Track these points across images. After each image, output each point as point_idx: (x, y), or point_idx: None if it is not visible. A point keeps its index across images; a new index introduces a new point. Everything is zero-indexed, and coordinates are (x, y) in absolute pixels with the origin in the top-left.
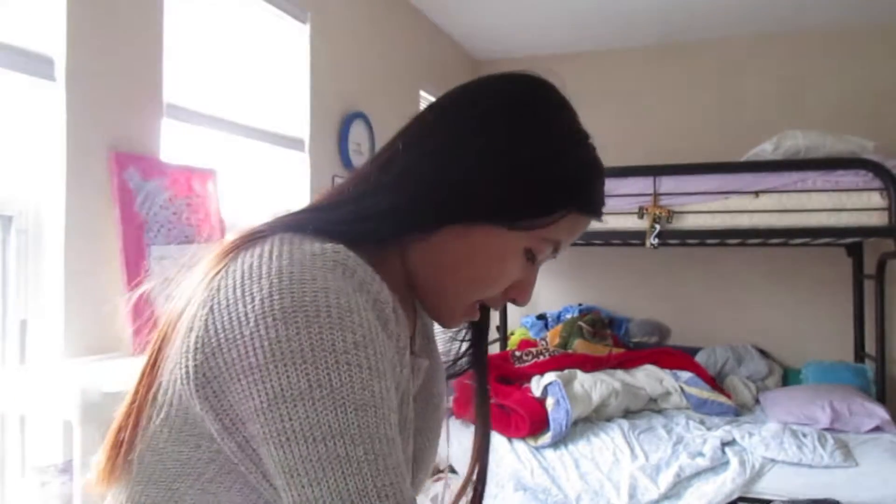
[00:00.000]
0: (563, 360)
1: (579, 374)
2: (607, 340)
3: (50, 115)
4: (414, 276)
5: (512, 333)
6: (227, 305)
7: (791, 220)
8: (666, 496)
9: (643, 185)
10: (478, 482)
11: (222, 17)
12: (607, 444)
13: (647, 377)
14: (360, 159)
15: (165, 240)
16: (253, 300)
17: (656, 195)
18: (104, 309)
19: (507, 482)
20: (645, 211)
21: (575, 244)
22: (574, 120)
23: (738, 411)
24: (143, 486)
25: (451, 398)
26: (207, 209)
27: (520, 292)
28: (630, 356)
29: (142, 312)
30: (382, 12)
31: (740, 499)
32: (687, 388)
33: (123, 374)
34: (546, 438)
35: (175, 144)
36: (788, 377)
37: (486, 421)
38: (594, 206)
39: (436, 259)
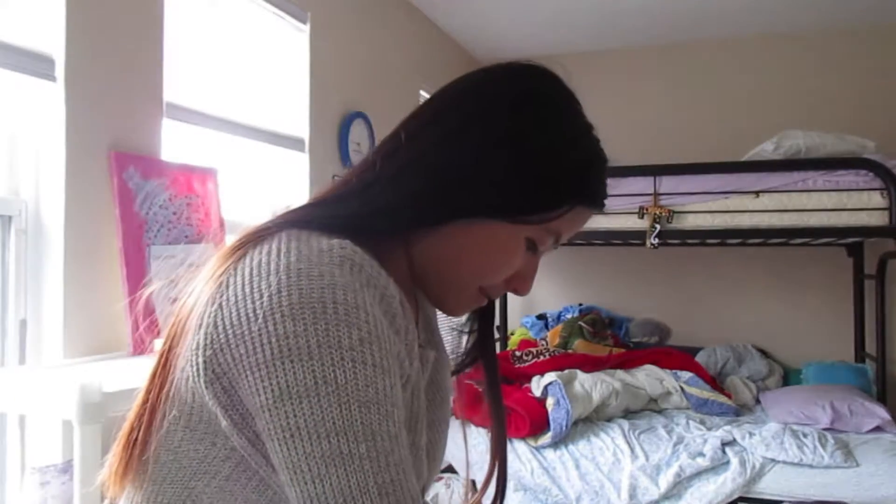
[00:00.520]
0: (563, 360)
1: (579, 374)
2: (607, 340)
3: (50, 115)
4: (418, 268)
5: (512, 333)
6: (236, 302)
7: (791, 220)
8: (666, 496)
9: (643, 185)
10: (499, 477)
11: (222, 17)
12: (607, 444)
13: (648, 377)
14: (359, 159)
15: (165, 240)
16: (261, 296)
17: (656, 195)
18: (104, 309)
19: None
20: (645, 211)
21: (575, 244)
22: (578, 112)
23: (739, 411)
24: (159, 486)
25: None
26: (207, 209)
27: (521, 282)
28: (630, 356)
29: (142, 312)
30: (382, 12)
31: (741, 499)
32: (687, 388)
33: (123, 374)
34: (546, 438)
35: (175, 144)
36: (789, 377)
37: (500, 414)
38: (598, 199)
39: (440, 251)
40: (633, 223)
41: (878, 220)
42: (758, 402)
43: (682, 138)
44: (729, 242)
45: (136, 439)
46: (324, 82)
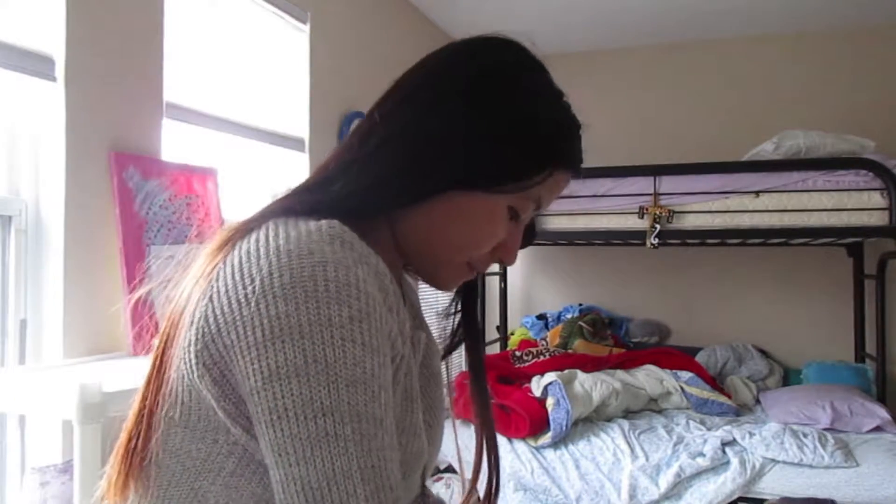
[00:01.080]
0: (563, 360)
1: (579, 374)
2: (607, 340)
3: (50, 115)
4: (405, 246)
5: (512, 333)
6: (227, 291)
7: (791, 220)
8: (666, 496)
9: (643, 185)
10: (491, 472)
11: (222, 17)
12: (608, 444)
13: (648, 377)
14: None
15: (165, 240)
16: (252, 281)
17: (656, 195)
18: (104, 309)
19: (507, 482)
20: (645, 211)
21: (575, 244)
22: (547, 79)
23: (739, 411)
24: (164, 490)
25: (451, 398)
26: (207, 209)
27: (506, 252)
28: (630, 356)
29: (141, 313)
30: (382, 12)
31: (741, 499)
32: (687, 388)
33: (123, 374)
34: (546, 438)
35: (175, 144)
36: (789, 377)
37: (484, 396)
38: (576, 163)
39: (424, 227)
40: (633, 223)
41: (878, 220)
42: (758, 402)
43: (682, 138)
44: (729, 242)
45: (135, 447)
46: (324, 82)
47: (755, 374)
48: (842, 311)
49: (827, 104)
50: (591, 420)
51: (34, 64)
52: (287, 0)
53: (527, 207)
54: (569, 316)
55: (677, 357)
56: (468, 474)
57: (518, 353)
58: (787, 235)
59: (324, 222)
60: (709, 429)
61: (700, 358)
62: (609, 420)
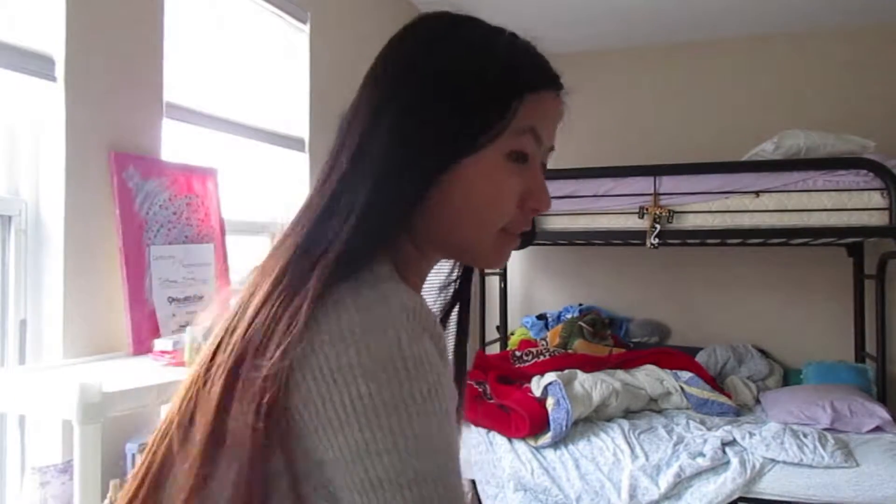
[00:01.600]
0: (563, 360)
1: (579, 374)
2: (607, 340)
3: (50, 115)
4: (437, 246)
5: (512, 333)
6: (318, 359)
7: (792, 220)
8: (666, 496)
9: (643, 185)
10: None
11: (222, 17)
12: (608, 445)
13: (648, 377)
14: None
15: (165, 239)
16: (339, 358)
17: (656, 195)
18: (104, 309)
19: (507, 482)
20: (645, 211)
21: (575, 244)
22: (478, 25)
23: (739, 411)
24: None
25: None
26: (207, 209)
27: (534, 199)
28: (630, 356)
29: (141, 313)
30: (382, 12)
31: (741, 499)
32: (687, 388)
33: (123, 374)
34: (546, 438)
35: (175, 144)
36: (789, 377)
37: (462, 368)
38: (542, 80)
39: (440, 219)
40: (633, 223)
41: (878, 220)
42: (758, 402)
43: (682, 138)
44: (729, 242)
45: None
46: (324, 82)
47: (755, 374)
48: (842, 311)
49: (827, 104)
50: (591, 420)
51: (34, 64)
52: (287, 0)
53: (524, 144)
54: (569, 316)
55: (677, 357)
56: (471, 475)
57: (518, 353)
58: (787, 235)
59: (391, 287)
60: (709, 429)
61: (700, 358)
62: (609, 420)
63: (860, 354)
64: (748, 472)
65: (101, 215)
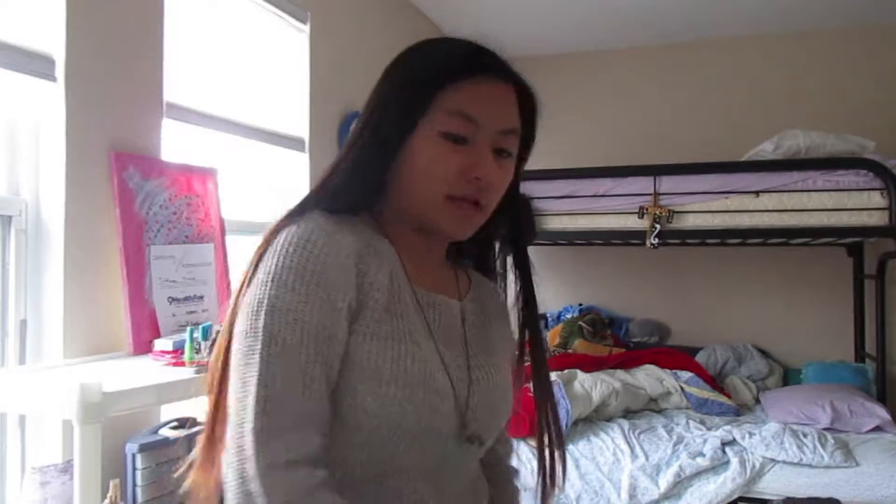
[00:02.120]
0: (563, 360)
1: (579, 373)
2: (607, 340)
3: (50, 115)
4: (406, 212)
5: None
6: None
7: (791, 220)
8: (666, 496)
9: (643, 185)
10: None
11: (222, 17)
12: (607, 444)
13: (648, 377)
14: None
15: (165, 239)
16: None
17: (656, 195)
18: (104, 309)
19: None
20: (645, 211)
21: (575, 244)
22: (440, 40)
23: (739, 411)
24: None
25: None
26: (207, 209)
27: (476, 170)
28: (630, 356)
29: (141, 313)
30: (382, 12)
31: (740, 499)
32: (687, 388)
33: (123, 374)
34: None
35: (175, 144)
36: (789, 377)
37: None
38: (467, 70)
39: (400, 188)
40: (633, 223)
41: (878, 220)
42: (758, 401)
43: (682, 138)
44: (729, 242)
45: (217, 435)
46: (324, 82)
47: (755, 374)
48: (842, 311)
49: (827, 104)
50: (591, 420)
51: (34, 64)
52: (287, 0)
53: (454, 125)
54: (569, 316)
55: (677, 357)
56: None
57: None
58: (787, 235)
59: (300, 229)
60: (709, 429)
61: (700, 358)
62: (609, 420)
63: (860, 354)
64: (748, 471)
65: (102, 215)
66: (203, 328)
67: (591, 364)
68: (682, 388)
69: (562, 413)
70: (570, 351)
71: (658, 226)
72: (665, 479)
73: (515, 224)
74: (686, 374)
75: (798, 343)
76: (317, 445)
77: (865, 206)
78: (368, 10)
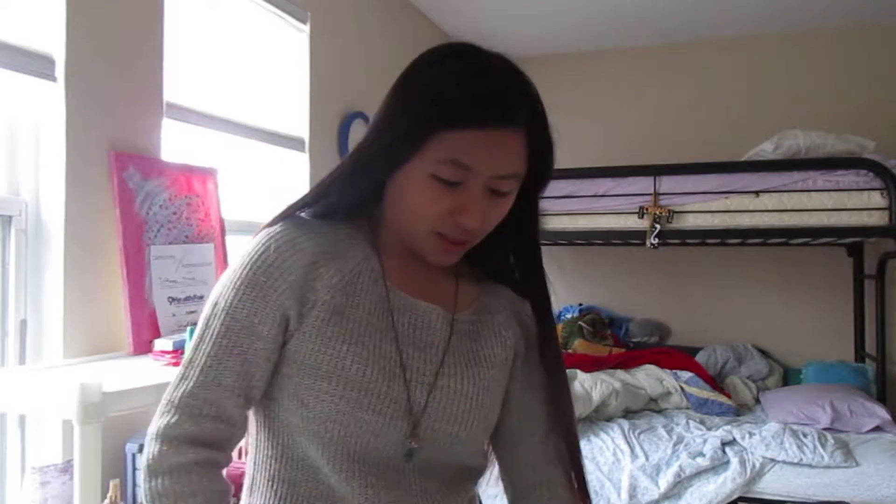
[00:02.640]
0: None
1: (579, 373)
2: (607, 340)
3: (50, 115)
4: (394, 229)
5: None
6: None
7: (791, 220)
8: (666, 496)
9: (643, 185)
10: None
11: (222, 17)
12: (607, 444)
13: (648, 377)
14: None
15: (165, 239)
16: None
17: (656, 195)
18: (104, 309)
19: None
20: (645, 211)
21: (575, 244)
22: (456, 60)
23: (739, 411)
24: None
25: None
26: (207, 209)
27: (462, 215)
28: (630, 356)
29: (141, 313)
30: (382, 12)
31: (741, 499)
32: (687, 388)
33: (123, 374)
34: None
35: (175, 144)
36: (789, 377)
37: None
38: (468, 118)
39: (391, 209)
40: (633, 223)
41: (878, 220)
42: (758, 401)
43: (682, 138)
44: (729, 242)
45: None
46: (324, 82)
47: (755, 374)
48: (842, 311)
49: (827, 104)
50: (590, 420)
51: (34, 64)
52: (287, 0)
53: (445, 171)
54: (569, 316)
55: (677, 357)
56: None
57: None
58: (787, 235)
59: (273, 231)
60: (709, 429)
61: (700, 358)
62: (609, 420)
63: (860, 354)
64: (748, 471)
65: (102, 215)
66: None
67: (591, 364)
68: (682, 388)
69: None
70: (570, 351)
71: (658, 226)
72: (665, 479)
73: (525, 244)
74: (686, 374)
75: (798, 343)
76: (208, 429)
77: (865, 206)
78: (368, 10)
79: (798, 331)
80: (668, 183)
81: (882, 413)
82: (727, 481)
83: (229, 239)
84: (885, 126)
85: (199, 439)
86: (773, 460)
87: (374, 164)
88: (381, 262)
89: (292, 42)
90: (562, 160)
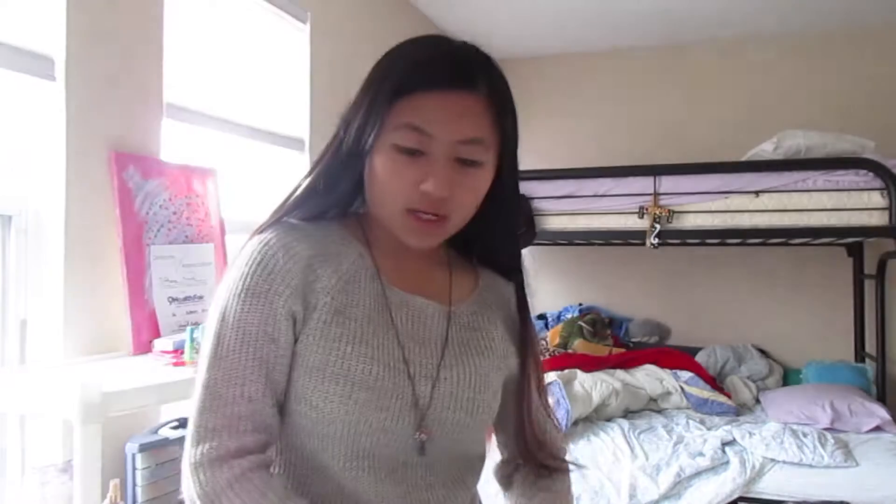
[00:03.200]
0: (563, 360)
1: (579, 373)
2: (607, 340)
3: (50, 115)
4: (377, 218)
5: None
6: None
7: (791, 220)
8: (666, 496)
9: (643, 185)
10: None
11: (222, 17)
12: (607, 444)
13: (648, 377)
14: None
15: (165, 239)
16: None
17: (656, 195)
18: (104, 309)
19: None
20: (645, 211)
21: (575, 244)
22: (409, 43)
23: (739, 411)
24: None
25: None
26: (207, 209)
27: (427, 183)
28: (630, 356)
29: (141, 313)
30: (382, 12)
31: (740, 499)
32: (687, 388)
33: (123, 374)
34: None
35: (175, 144)
36: (789, 377)
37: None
38: (415, 82)
39: (369, 198)
40: (633, 223)
41: (878, 220)
42: (758, 401)
43: (682, 138)
44: (729, 242)
45: None
46: (324, 82)
47: (755, 373)
48: (842, 311)
49: (827, 104)
50: (590, 420)
51: (34, 64)
52: (287, 0)
53: (404, 138)
54: (569, 316)
55: (677, 357)
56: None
57: None
58: (787, 235)
59: (266, 236)
60: (709, 429)
61: (700, 358)
62: (609, 420)
63: (860, 354)
64: (748, 471)
65: (101, 215)
66: (203, 328)
67: (591, 364)
68: (682, 388)
69: (562, 413)
70: (570, 351)
71: (658, 226)
72: (665, 479)
73: (509, 226)
74: (686, 374)
75: (798, 343)
76: (249, 442)
77: (865, 206)
78: (368, 9)
79: (798, 331)
80: (668, 183)
81: (882, 413)
82: (727, 481)
83: (229, 239)
84: (885, 126)
85: (244, 450)
86: (773, 460)
87: (348, 155)
88: (374, 260)
89: (292, 42)
90: (562, 160)
